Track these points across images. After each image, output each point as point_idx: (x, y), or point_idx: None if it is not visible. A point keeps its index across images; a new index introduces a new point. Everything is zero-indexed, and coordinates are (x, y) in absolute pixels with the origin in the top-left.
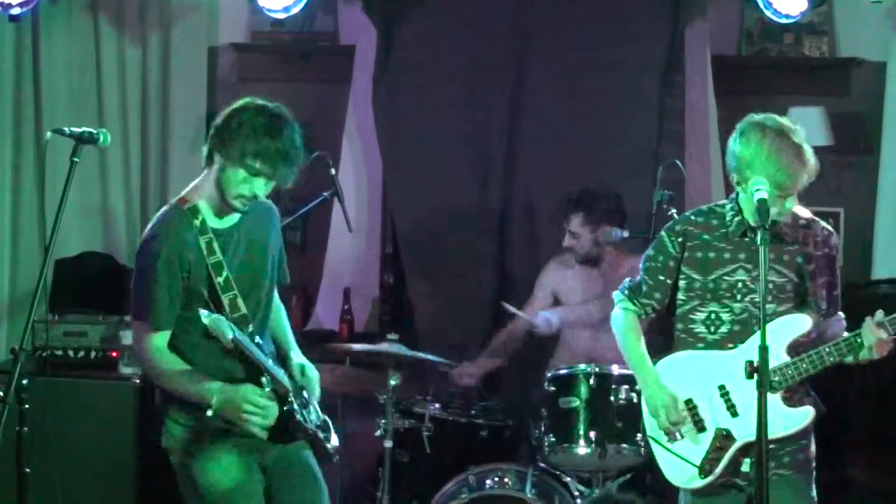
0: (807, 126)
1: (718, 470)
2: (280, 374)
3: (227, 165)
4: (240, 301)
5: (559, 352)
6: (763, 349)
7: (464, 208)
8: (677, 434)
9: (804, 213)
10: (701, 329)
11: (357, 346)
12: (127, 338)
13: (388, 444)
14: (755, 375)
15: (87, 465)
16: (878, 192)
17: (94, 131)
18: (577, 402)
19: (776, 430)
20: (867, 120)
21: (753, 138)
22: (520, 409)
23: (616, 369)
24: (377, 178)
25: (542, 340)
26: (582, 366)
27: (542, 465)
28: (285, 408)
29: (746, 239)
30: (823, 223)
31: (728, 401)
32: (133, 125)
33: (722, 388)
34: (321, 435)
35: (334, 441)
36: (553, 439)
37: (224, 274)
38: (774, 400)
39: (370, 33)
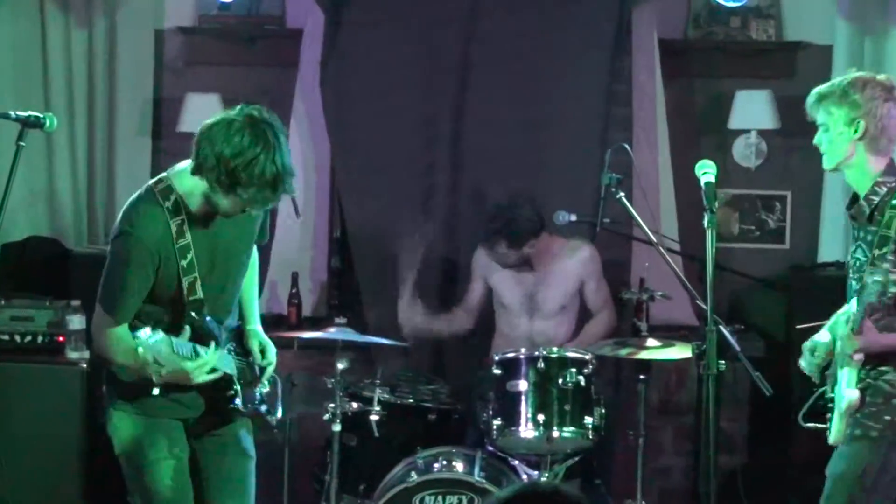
0: (754, 109)
1: (834, 431)
2: (225, 361)
3: (216, 192)
4: (198, 285)
5: (497, 338)
6: (711, 332)
7: (411, 192)
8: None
9: None
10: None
11: (305, 335)
12: (74, 323)
13: (337, 428)
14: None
15: (34, 449)
16: (825, 175)
17: (41, 115)
18: (524, 385)
19: (837, 408)
20: None
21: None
22: (468, 393)
23: (564, 352)
24: (325, 161)
25: (484, 324)
26: (530, 349)
27: (490, 448)
28: (229, 394)
29: (850, 212)
30: None
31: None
32: (79, 109)
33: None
34: (262, 410)
35: (278, 414)
36: (501, 423)
37: (189, 257)
38: (844, 373)
39: (317, 16)
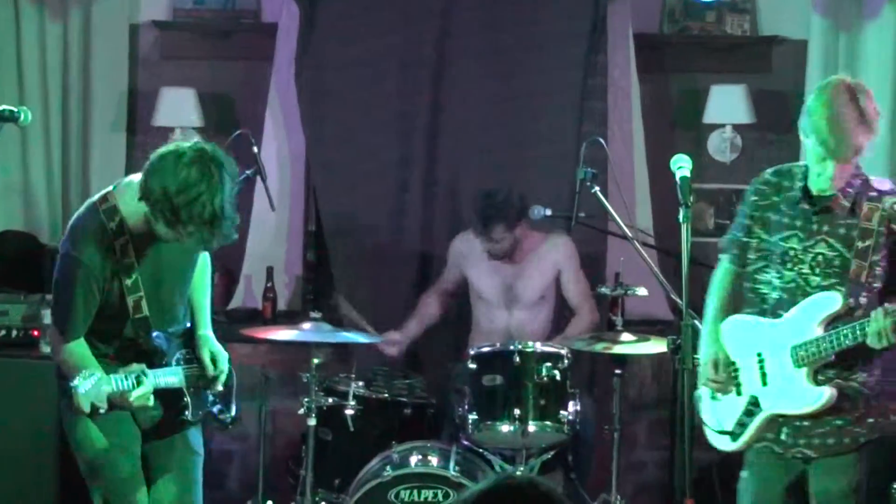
0: (728, 104)
1: (745, 437)
2: (173, 375)
3: (158, 220)
4: (143, 303)
5: (475, 331)
6: (686, 326)
7: (387, 186)
8: (720, 394)
9: (882, 184)
10: (765, 290)
11: (278, 336)
12: (48, 317)
13: (312, 422)
14: (678, 353)
15: (8, 443)
16: None
17: (15, 109)
18: (500, 380)
19: (796, 406)
20: (789, 98)
21: (827, 92)
22: (443, 387)
23: (539, 346)
24: (300, 156)
25: (459, 318)
26: (505, 343)
27: (466, 442)
28: (179, 405)
29: (806, 206)
30: None
31: (762, 369)
32: (54, 103)
33: (759, 355)
34: (215, 410)
35: (233, 412)
36: (476, 417)
37: (133, 276)
38: (800, 375)
39: (292, 10)
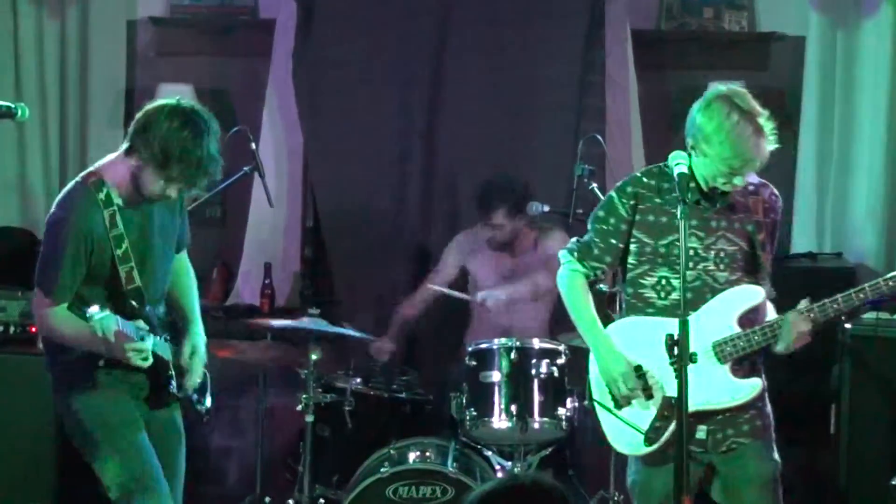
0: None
1: (664, 438)
2: (163, 348)
3: (146, 168)
4: (135, 273)
5: (474, 327)
6: (684, 322)
7: (385, 182)
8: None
9: (752, 178)
10: (651, 294)
11: (276, 323)
12: None
13: (310, 418)
14: (675, 349)
15: (7, 438)
16: (797, 167)
17: (12, 105)
18: (497, 376)
19: (722, 401)
20: (787, 94)
21: (718, 114)
22: (441, 384)
23: (537, 343)
24: (298, 151)
25: (457, 315)
26: (503, 340)
27: (464, 438)
28: (165, 376)
29: (700, 206)
30: (772, 188)
31: (676, 369)
32: (52, 99)
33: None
34: (194, 398)
35: (208, 403)
36: (474, 413)
37: (123, 246)
38: (722, 370)
39: (290, 7)
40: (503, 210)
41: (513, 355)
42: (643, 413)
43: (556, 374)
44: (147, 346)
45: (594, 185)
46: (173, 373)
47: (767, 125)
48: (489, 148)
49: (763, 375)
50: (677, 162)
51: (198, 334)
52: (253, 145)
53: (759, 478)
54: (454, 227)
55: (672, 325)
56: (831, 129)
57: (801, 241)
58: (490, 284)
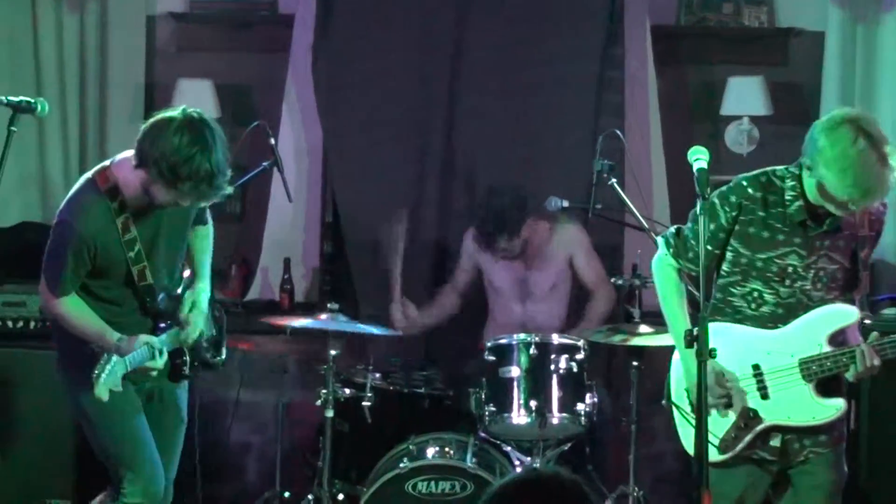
0: (746, 96)
1: (738, 448)
2: (173, 340)
3: (156, 183)
4: (147, 272)
5: (491, 323)
6: (703, 319)
7: (404, 177)
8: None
9: None
10: (741, 303)
11: (296, 323)
12: None
13: (329, 413)
14: (695, 345)
15: (27, 432)
16: None
17: (32, 100)
18: (516, 372)
19: (803, 419)
20: (806, 90)
21: (844, 139)
22: (460, 379)
23: (556, 338)
24: (317, 146)
25: (475, 310)
26: (522, 335)
27: (483, 434)
28: (179, 362)
29: (807, 226)
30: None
31: (760, 381)
32: (71, 94)
33: (756, 367)
34: (207, 356)
35: (222, 355)
36: (493, 409)
37: (136, 248)
38: (806, 389)
39: (309, 2)
40: (505, 236)
41: (532, 350)
42: (719, 421)
43: (575, 369)
44: (159, 365)
45: (613, 180)
46: (188, 357)
47: (894, 155)
48: (508, 144)
49: (845, 395)
50: (696, 157)
51: (202, 290)
52: (272, 140)
53: (828, 485)
54: (472, 222)
55: (758, 339)
56: None
57: None
58: (506, 285)
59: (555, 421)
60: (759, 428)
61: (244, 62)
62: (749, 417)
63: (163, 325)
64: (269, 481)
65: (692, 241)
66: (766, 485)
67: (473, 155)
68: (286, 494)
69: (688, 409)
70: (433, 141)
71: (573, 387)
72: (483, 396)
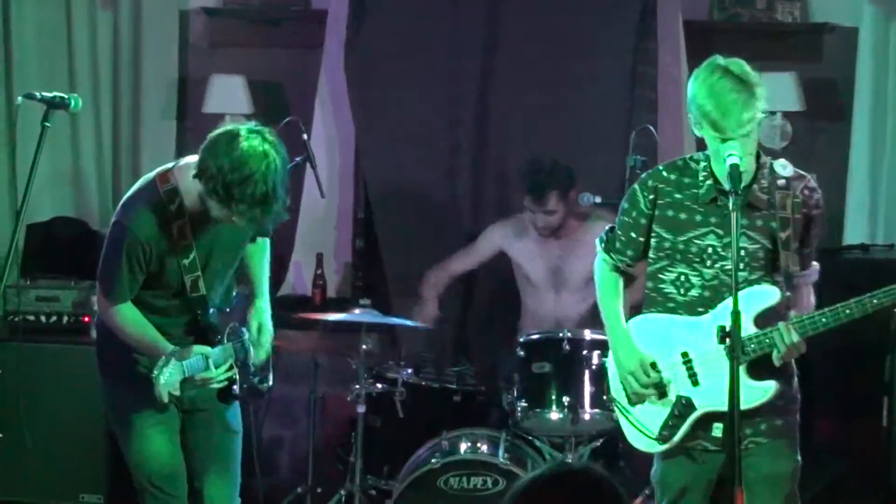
0: (779, 92)
1: (677, 437)
2: (228, 353)
3: (211, 198)
4: (201, 282)
5: (525, 317)
6: (736, 314)
7: (436, 173)
8: (638, 398)
9: (784, 170)
10: (671, 289)
11: (331, 317)
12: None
13: (361, 409)
14: (727, 341)
15: (59, 427)
16: (851, 158)
17: (66, 96)
18: (549, 368)
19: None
20: (839, 85)
21: (701, 73)
22: (492, 375)
23: (588, 334)
24: (350, 143)
25: (509, 306)
26: (554, 331)
27: (515, 429)
28: (229, 381)
29: (718, 204)
30: (807, 180)
31: (690, 369)
32: (104, 90)
33: (685, 354)
34: (255, 381)
35: (270, 381)
36: (525, 404)
37: (191, 256)
38: (739, 372)
39: None
40: (555, 194)
41: (564, 346)
42: (656, 412)
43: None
44: (214, 375)
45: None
46: (237, 375)
47: (757, 87)
48: (539, 139)
49: (787, 376)
50: (729, 153)
51: (263, 310)
52: (305, 136)
53: (773, 476)
54: (503, 219)
55: (684, 326)
56: (884, 119)
57: (854, 232)
58: (540, 276)
59: (587, 416)
60: (694, 416)
61: (277, 58)
62: (682, 405)
63: (214, 340)
64: (301, 476)
65: (619, 232)
66: (710, 475)
67: (505, 151)
68: (318, 490)
69: (624, 402)
70: (465, 137)
71: (606, 382)
72: (515, 392)
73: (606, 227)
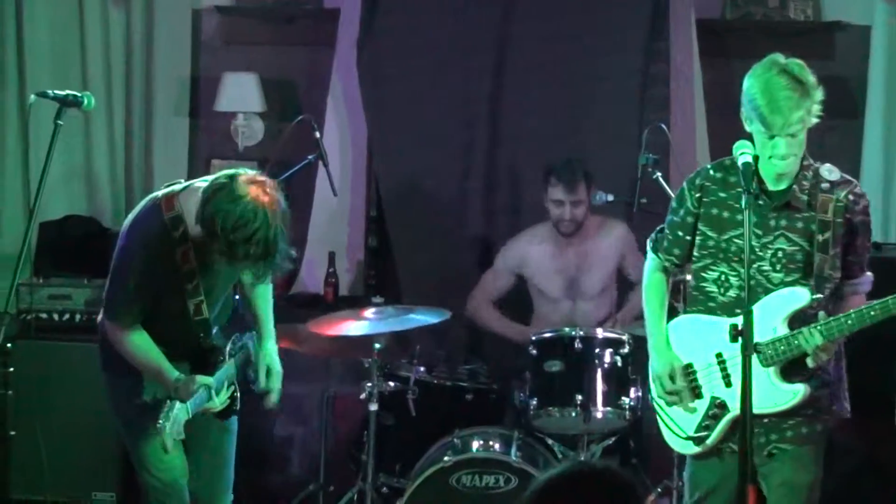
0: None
1: (711, 439)
2: (231, 375)
3: (213, 247)
4: (204, 307)
5: (535, 320)
6: (748, 312)
7: (448, 172)
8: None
9: (830, 174)
10: (712, 288)
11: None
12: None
13: (374, 407)
14: (739, 339)
15: (71, 425)
16: (863, 156)
17: (79, 94)
18: (561, 366)
19: (764, 406)
20: (852, 84)
21: (757, 70)
22: (504, 373)
23: (600, 332)
24: (362, 141)
25: (521, 305)
26: (566, 329)
27: (527, 428)
28: (231, 399)
29: (760, 202)
30: (853, 185)
31: (724, 370)
32: (117, 88)
33: (719, 356)
34: (253, 388)
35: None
36: (537, 403)
37: (195, 281)
38: (766, 374)
39: None
40: (583, 185)
41: (576, 345)
42: (691, 413)
43: (619, 363)
44: (217, 405)
45: (658, 174)
46: (238, 394)
47: (813, 90)
48: (552, 138)
49: (822, 383)
50: (742, 151)
51: (271, 352)
52: (317, 134)
53: (792, 483)
54: (516, 217)
55: (721, 327)
56: None
57: None
58: (556, 289)
59: (599, 415)
60: (728, 417)
61: (289, 56)
62: (717, 407)
63: (215, 361)
64: (313, 474)
65: (667, 231)
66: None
67: (517, 149)
68: (330, 488)
69: (662, 403)
70: (477, 135)
71: (617, 381)
72: (527, 390)
73: (657, 228)
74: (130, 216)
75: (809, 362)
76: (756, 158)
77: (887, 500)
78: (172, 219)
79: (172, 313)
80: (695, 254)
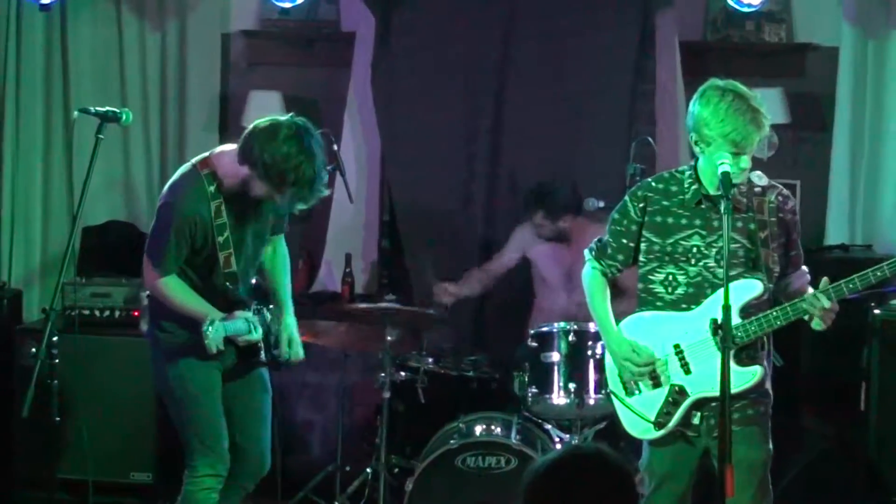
0: (766, 105)
1: (672, 423)
2: (261, 322)
3: (260, 182)
4: (233, 259)
5: (536, 312)
6: (727, 308)
7: (454, 182)
8: (635, 388)
9: (760, 180)
10: (659, 289)
11: (359, 305)
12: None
13: (386, 395)
14: (719, 333)
15: (112, 414)
16: (831, 166)
17: (118, 111)
18: (557, 357)
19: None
20: (821, 100)
21: (713, 99)
22: (505, 363)
23: (593, 326)
24: (376, 153)
25: (521, 300)
26: (562, 323)
27: (526, 413)
28: (255, 347)
29: (703, 206)
30: (780, 189)
31: (682, 359)
32: (153, 105)
33: (677, 346)
34: (275, 353)
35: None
36: (535, 391)
37: (225, 234)
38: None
39: (369, 21)
40: (541, 213)
41: (571, 337)
42: (651, 401)
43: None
44: (255, 337)
45: None
46: (262, 345)
47: (761, 105)
48: (549, 150)
49: (765, 364)
50: (721, 161)
51: (291, 325)
52: (335, 147)
53: (745, 462)
54: (514, 221)
55: (674, 321)
56: (862, 131)
57: (835, 233)
58: (555, 277)
59: (591, 401)
60: (688, 402)
61: (310, 76)
62: (677, 393)
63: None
64: (331, 456)
65: (610, 240)
66: (694, 460)
67: (517, 160)
68: (347, 468)
69: (622, 393)
70: (481, 147)
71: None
72: (526, 379)
73: (595, 239)
74: (169, 182)
75: (817, 326)
76: (697, 169)
77: (855, 479)
78: (207, 175)
79: (205, 264)
80: (641, 259)
